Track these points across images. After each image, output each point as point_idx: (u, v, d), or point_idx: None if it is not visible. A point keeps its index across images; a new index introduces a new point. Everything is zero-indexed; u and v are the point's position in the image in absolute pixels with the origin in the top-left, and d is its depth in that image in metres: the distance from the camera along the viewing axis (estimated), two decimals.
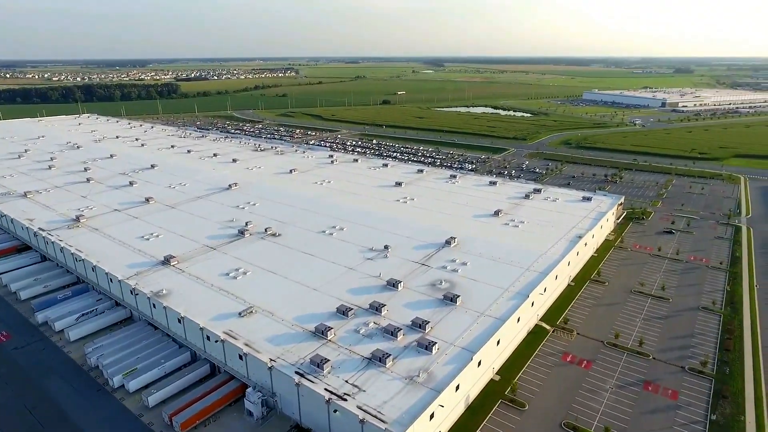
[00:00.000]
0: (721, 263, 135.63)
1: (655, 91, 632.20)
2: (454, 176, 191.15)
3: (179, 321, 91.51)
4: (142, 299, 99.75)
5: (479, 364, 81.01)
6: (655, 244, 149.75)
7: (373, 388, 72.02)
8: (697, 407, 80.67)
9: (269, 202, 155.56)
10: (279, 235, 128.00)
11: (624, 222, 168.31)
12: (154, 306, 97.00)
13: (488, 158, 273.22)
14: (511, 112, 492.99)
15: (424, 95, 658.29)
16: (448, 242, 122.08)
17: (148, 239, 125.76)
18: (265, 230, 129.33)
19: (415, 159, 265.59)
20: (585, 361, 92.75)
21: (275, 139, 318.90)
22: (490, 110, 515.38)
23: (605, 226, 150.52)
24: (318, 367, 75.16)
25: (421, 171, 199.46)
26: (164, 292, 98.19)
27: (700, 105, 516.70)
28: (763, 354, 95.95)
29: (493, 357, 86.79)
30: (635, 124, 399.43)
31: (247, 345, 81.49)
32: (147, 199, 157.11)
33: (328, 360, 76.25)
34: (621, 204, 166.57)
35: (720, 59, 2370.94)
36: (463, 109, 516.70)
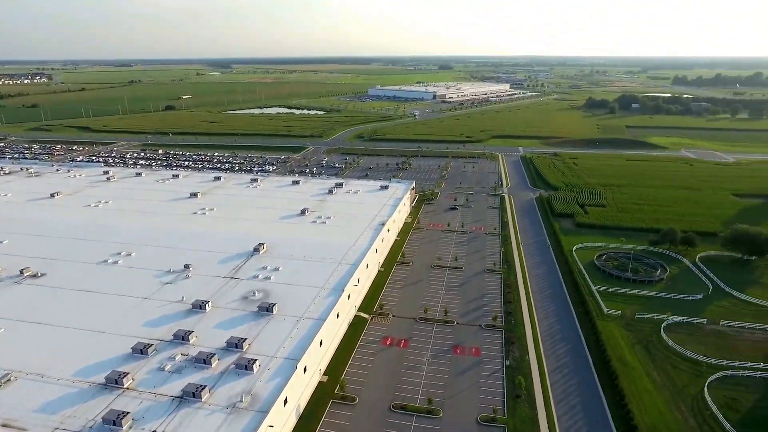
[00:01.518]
0: (494, 229, 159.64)
1: (426, 86, 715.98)
2: (255, 180, 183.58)
3: None
4: None
5: (305, 370, 78.35)
6: (444, 220, 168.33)
7: (190, 429, 63.07)
8: (495, 358, 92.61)
9: (23, 236, 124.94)
10: (42, 275, 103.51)
11: (418, 204, 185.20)
12: None
13: (288, 158, 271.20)
14: (305, 111, 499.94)
15: (214, 98, 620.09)
16: (256, 249, 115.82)
17: None
18: (21, 272, 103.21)
19: (210, 166, 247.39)
20: (403, 341, 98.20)
21: (26, 158, 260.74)
22: (284, 110, 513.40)
23: (403, 211, 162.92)
24: (114, 424, 62.42)
25: (218, 178, 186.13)
26: None
27: (462, 96, 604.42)
28: (533, 299, 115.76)
29: (318, 359, 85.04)
30: (414, 116, 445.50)
31: (6, 425, 63.07)
32: None
33: (128, 413, 63.99)
34: (413, 188, 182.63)
35: (471, 57, 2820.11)
36: (257, 111, 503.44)
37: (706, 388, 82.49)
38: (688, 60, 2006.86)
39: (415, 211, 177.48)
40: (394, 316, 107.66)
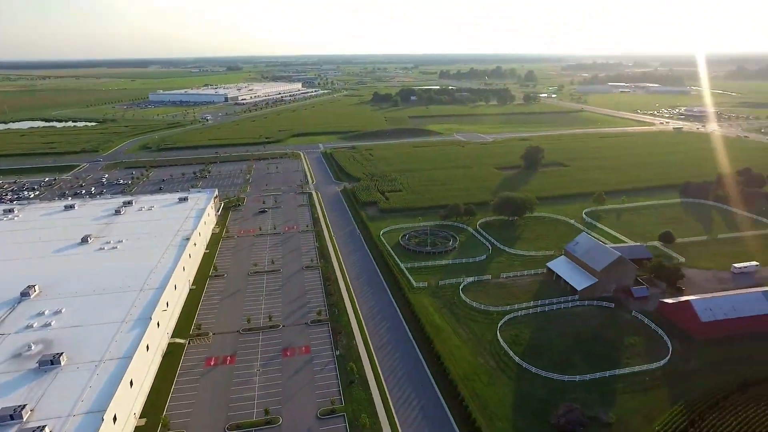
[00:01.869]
0: (307, 226, 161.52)
1: (216, 88, 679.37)
2: (11, 210, 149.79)
3: None
4: None
5: (115, 419, 67.58)
6: (255, 225, 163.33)
7: None
8: (325, 351, 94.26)
9: None
10: None
11: (224, 212, 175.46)
12: None
13: (55, 179, 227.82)
14: (70, 123, 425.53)
15: None
16: (25, 294, 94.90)
17: None
18: None
19: None
20: (228, 357, 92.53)
21: None
22: (40, 124, 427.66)
23: (208, 221, 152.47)
24: None
25: None
26: None
27: (255, 97, 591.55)
28: (352, 286, 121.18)
29: (130, 403, 74.18)
30: (207, 120, 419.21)
31: None
32: None
33: None
34: (217, 196, 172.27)
35: (259, 57, 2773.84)
36: (0, 126, 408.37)
37: (498, 332, 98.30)
38: (451, 56, 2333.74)
39: (222, 220, 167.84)
40: (214, 333, 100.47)
